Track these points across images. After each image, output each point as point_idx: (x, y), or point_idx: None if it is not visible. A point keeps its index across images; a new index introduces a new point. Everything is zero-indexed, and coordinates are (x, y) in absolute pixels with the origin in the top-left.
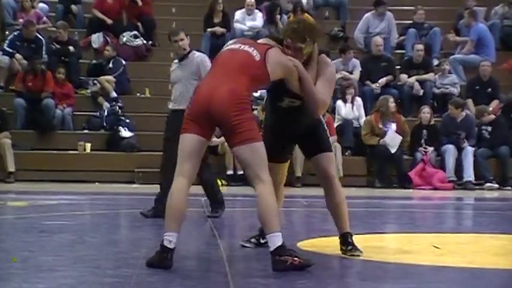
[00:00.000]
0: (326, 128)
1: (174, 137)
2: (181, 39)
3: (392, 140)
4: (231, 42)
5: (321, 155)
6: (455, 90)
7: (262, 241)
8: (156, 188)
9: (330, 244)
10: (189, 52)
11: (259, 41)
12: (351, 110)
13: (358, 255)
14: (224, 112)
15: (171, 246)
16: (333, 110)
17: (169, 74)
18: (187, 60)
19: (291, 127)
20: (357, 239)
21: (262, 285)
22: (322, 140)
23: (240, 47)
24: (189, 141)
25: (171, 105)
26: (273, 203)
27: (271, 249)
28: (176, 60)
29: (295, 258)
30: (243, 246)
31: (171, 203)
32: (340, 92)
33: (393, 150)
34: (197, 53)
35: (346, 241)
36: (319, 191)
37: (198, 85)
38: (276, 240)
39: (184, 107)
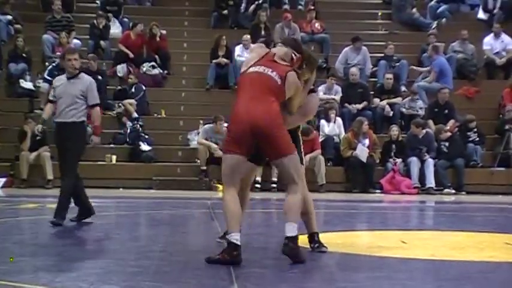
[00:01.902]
0: None
1: (61, 147)
2: (75, 59)
3: (361, 151)
4: (254, 60)
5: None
6: (421, 112)
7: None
8: (171, 194)
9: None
10: (78, 72)
11: (256, 46)
12: (333, 128)
13: (324, 251)
14: (265, 129)
15: (239, 243)
16: (317, 128)
17: (54, 89)
18: (77, 79)
19: None
20: (337, 236)
21: (258, 273)
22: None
23: (264, 70)
24: (230, 161)
25: (58, 119)
26: (300, 201)
27: (288, 235)
28: (62, 77)
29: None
30: (218, 242)
31: (230, 209)
32: (323, 113)
33: (364, 160)
34: (86, 76)
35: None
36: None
37: (236, 107)
38: (293, 229)
39: (69, 120)
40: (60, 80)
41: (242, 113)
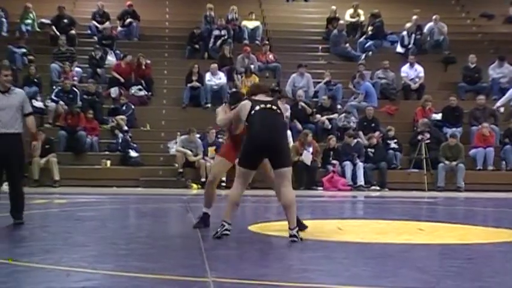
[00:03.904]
0: None
1: (7, 157)
2: (10, 74)
3: (306, 157)
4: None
5: None
6: (353, 125)
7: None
8: (154, 191)
9: (269, 227)
10: (10, 87)
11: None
12: None
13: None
14: None
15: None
16: None
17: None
18: (11, 92)
19: None
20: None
21: (224, 255)
22: None
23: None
24: None
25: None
26: None
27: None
28: None
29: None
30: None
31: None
32: None
33: (308, 163)
34: (17, 89)
35: None
36: (266, 192)
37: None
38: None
39: (12, 131)
40: None
41: None
